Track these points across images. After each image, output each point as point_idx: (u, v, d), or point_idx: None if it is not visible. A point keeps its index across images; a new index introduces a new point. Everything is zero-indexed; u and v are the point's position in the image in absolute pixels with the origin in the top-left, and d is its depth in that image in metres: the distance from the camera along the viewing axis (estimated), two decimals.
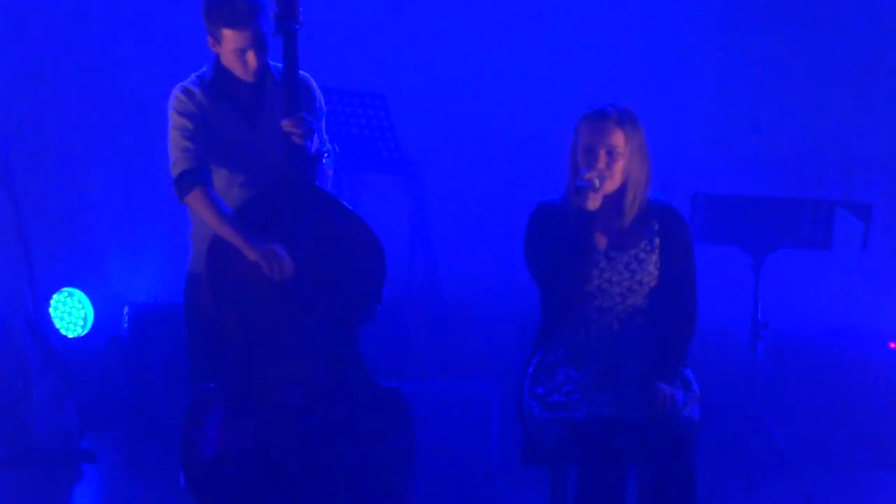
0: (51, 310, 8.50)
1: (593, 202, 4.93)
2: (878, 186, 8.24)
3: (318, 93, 5.49)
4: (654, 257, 5.05)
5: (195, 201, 5.29)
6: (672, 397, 4.88)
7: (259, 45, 5.29)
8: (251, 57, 5.30)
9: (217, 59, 5.40)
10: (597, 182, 4.93)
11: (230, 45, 5.29)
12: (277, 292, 5.24)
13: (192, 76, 5.42)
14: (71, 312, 8.61)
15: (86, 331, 8.62)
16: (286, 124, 5.26)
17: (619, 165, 4.98)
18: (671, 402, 4.87)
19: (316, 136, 5.34)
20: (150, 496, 6.91)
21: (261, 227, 5.25)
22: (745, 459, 7.04)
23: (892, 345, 8.13)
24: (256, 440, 5.17)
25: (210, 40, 5.34)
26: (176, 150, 5.31)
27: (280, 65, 5.40)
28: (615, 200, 5.02)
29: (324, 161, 5.42)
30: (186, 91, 5.36)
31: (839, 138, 8.47)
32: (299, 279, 5.25)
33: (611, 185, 4.98)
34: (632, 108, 5.04)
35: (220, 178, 5.38)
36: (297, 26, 5.30)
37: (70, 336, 8.56)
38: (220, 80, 5.39)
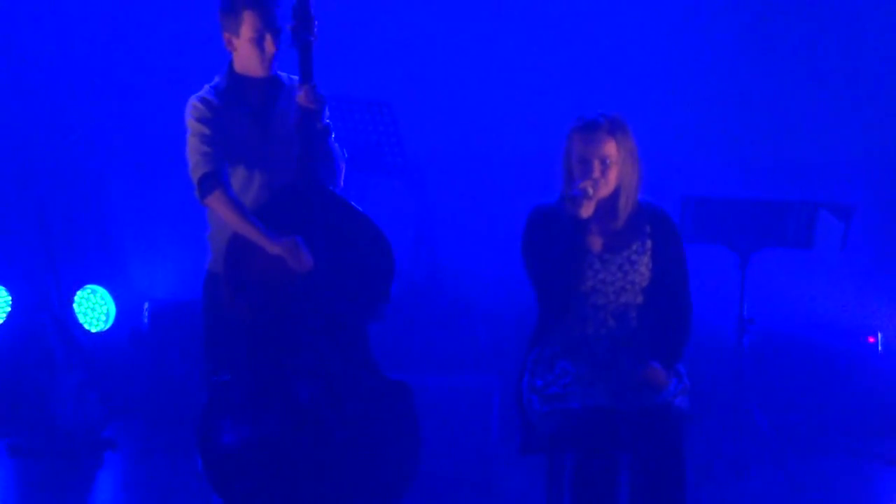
0: (75, 305, 8.51)
1: (586, 210, 4.92)
2: (857, 189, 8.24)
3: (326, 104, 5.48)
4: (646, 259, 5.04)
5: (216, 202, 5.30)
6: (664, 375, 4.88)
7: (275, 31, 5.31)
8: (269, 42, 5.32)
9: (229, 68, 5.41)
10: (590, 191, 4.91)
11: (249, 32, 5.30)
12: (291, 289, 5.25)
13: (206, 86, 5.43)
14: (94, 308, 8.62)
15: (108, 325, 8.63)
16: (300, 96, 5.29)
17: (613, 172, 4.97)
18: (663, 380, 4.87)
19: (326, 109, 5.37)
20: (169, 482, 6.91)
21: (277, 227, 5.26)
22: (733, 447, 7.04)
23: (871, 339, 8.14)
24: (270, 429, 5.18)
25: (227, 37, 5.35)
26: (195, 154, 5.32)
27: (292, 76, 5.41)
28: (609, 204, 5.00)
29: (332, 138, 5.41)
30: (203, 100, 5.37)
31: (821, 143, 8.47)
32: (312, 277, 5.25)
33: (605, 192, 4.97)
34: (621, 115, 5.02)
35: (239, 178, 5.38)
36: (312, 38, 5.32)
37: (93, 330, 8.57)
38: (233, 87, 5.40)
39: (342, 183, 5.51)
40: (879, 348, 8.14)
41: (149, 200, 8.55)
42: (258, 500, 5.16)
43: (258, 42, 5.33)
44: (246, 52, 5.36)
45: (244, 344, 5.27)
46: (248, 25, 5.31)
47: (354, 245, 5.34)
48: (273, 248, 5.22)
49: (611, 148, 4.96)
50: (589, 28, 8.52)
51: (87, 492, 7.04)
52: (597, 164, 4.95)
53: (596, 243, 5.02)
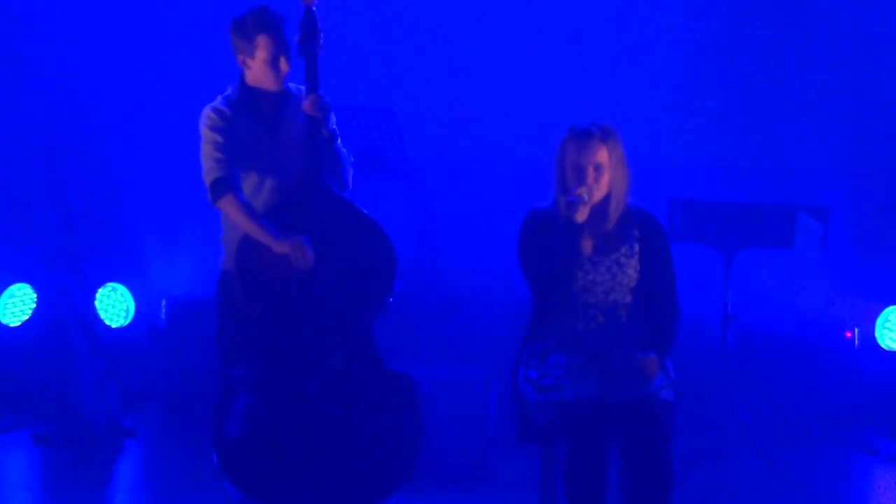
0: (96, 302, 8.52)
1: (582, 215, 4.95)
2: (835, 192, 8.24)
3: (331, 111, 5.49)
4: (634, 262, 5.06)
5: (227, 205, 5.32)
6: (657, 365, 4.90)
7: (287, 50, 5.33)
8: (283, 62, 5.33)
9: (241, 80, 5.42)
10: (586, 196, 4.94)
11: (263, 54, 5.30)
12: (300, 287, 5.26)
13: (219, 97, 5.44)
14: (114, 305, 8.63)
15: (127, 321, 8.65)
16: (307, 105, 5.30)
17: (605, 178, 4.99)
18: (655, 370, 4.89)
19: (332, 115, 5.38)
20: (185, 468, 6.92)
21: (287, 228, 5.28)
22: (717, 436, 7.05)
23: (848, 334, 8.14)
24: (279, 419, 5.19)
25: (241, 58, 5.35)
26: (208, 160, 5.34)
27: (300, 86, 5.42)
28: (601, 208, 5.03)
29: (338, 143, 5.41)
30: (216, 110, 5.38)
31: (801, 149, 8.47)
32: (319, 275, 5.27)
33: (598, 196, 4.99)
34: (610, 123, 5.04)
35: (251, 183, 5.40)
36: (318, 50, 5.34)
37: (113, 326, 8.58)
38: (245, 98, 5.41)
39: (350, 184, 5.52)
40: (856, 343, 8.14)
41: (166, 204, 8.56)
42: (269, 486, 5.16)
43: (273, 63, 5.33)
44: (260, 71, 5.36)
45: (255, 339, 5.29)
46: (262, 49, 5.32)
47: (358, 244, 5.35)
48: (279, 247, 5.24)
49: (603, 155, 4.98)
50: (580, 42, 8.53)
51: (107, 478, 7.05)
52: (591, 171, 4.97)
53: (587, 246, 5.03)
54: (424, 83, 8.51)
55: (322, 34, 5.34)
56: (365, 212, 5.41)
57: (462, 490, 6.58)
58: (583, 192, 4.94)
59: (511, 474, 6.75)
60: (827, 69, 8.45)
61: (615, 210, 5.04)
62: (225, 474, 5.17)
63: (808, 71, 8.46)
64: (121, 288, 8.64)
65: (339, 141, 5.44)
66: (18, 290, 8.50)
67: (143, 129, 8.57)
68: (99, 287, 8.55)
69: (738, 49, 8.52)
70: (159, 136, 8.48)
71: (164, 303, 8.31)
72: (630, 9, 8.57)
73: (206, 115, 5.38)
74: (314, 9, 5.37)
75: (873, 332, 8.26)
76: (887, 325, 8.26)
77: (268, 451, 5.17)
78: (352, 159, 5.56)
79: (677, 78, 8.51)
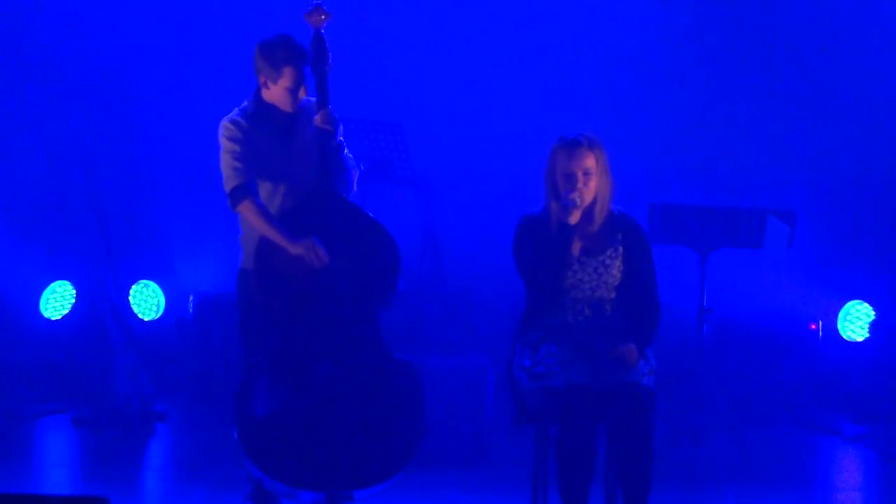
0: (130, 297, 8.50)
1: (574, 217, 4.97)
2: (801, 197, 8.22)
3: (339, 124, 5.45)
4: (618, 262, 5.05)
5: (245, 210, 5.29)
6: (637, 355, 4.88)
7: (303, 82, 5.30)
8: (302, 90, 5.31)
9: (256, 94, 5.37)
10: (578, 200, 4.96)
11: (287, 83, 5.26)
12: (312, 283, 5.24)
13: (236, 110, 5.39)
14: (146, 300, 8.60)
15: (158, 315, 8.62)
16: (318, 119, 5.28)
17: (593, 182, 4.99)
18: (636, 359, 4.87)
19: (340, 126, 5.35)
20: (210, 448, 6.91)
21: (300, 230, 5.25)
22: (693, 419, 7.03)
23: (812, 326, 8.13)
24: (294, 403, 5.18)
25: (262, 79, 5.30)
26: (227, 169, 5.31)
27: (310, 98, 5.38)
28: (587, 211, 5.03)
29: (345, 153, 5.38)
30: (233, 121, 5.35)
31: (770, 157, 8.45)
32: (330, 272, 5.24)
33: (587, 200, 5.00)
34: (595, 133, 5.05)
35: (265, 189, 5.37)
36: (327, 69, 5.31)
37: (146, 319, 8.55)
38: (260, 111, 5.36)
39: (356, 188, 5.49)
40: (820, 334, 8.14)
41: (194, 207, 8.53)
42: (283, 462, 5.15)
43: (293, 91, 5.30)
44: (279, 95, 5.32)
45: (272, 330, 5.27)
46: (286, 78, 5.28)
47: (365, 245, 5.32)
48: (293, 248, 5.20)
49: (591, 161, 4.98)
50: (571, 61, 8.51)
51: (140, 456, 7.05)
52: (580, 177, 4.97)
53: (576, 248, 5.03)
54: (429, 97, 8.47)
55: (330, 54, 5.31)
56: (372, 216, 5.39)
57: (461, 468, 6.56)
58: (575, 196, 4.95)
59: (506, 454, 6.74)
60: (794, 86, 8.42)
61: (600, 213, 5.04)
62: (244, 450, 5.14)
63: (776, 87, 8.44)
64: (152, 284, 8.61)
65: (345, 150, 5.41)
66: (59, 286, 8.47)
67: (172, 138, 8.53)
68: (132, 283, 8.53)
69: (713, 67, 8.49)
70: (187, 144, 8.44)
71: (191, 298, 8.31)
72: (612, 32, 8.54)
73: (224, 126, 5.35)
74: (322, 31, 5.33)
75: (836, 324, 8.24)
76: (848, 318, 8.25)
77: (283, 430, 5.15)
78: (362, 167, 5.53)
79: (657, 93, 8.48)
